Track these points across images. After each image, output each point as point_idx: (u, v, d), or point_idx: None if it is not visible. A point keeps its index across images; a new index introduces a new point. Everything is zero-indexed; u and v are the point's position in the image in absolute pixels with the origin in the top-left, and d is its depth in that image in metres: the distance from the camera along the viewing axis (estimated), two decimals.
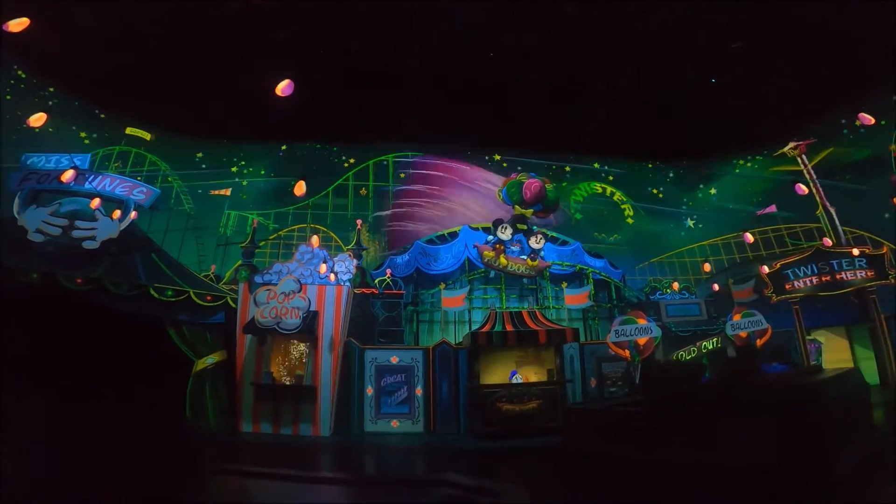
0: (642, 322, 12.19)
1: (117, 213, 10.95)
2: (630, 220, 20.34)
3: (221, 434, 10.90)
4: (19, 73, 12.84)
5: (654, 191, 21.25)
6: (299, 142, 18.07)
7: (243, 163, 16.98)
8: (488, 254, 13.54)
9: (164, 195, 15.26)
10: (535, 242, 14.06)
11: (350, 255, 12.43)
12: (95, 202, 10.73)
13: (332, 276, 11.41)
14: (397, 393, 11.72)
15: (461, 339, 12.87)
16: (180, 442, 9.93)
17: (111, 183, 11.70)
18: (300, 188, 8.87)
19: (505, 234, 13.80)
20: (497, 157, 21.42)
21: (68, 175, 9.70)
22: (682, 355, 13.22)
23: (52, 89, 13.71)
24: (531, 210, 13.87)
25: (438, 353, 11.88)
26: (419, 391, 11.71)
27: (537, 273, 13.99)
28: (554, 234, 16.15)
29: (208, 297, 11.21)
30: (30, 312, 9.82)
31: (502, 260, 13.55)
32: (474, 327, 13.50)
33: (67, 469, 6.97)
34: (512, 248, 13.80)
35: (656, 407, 6.95)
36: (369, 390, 11.63)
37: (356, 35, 19.53)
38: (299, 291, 11.05)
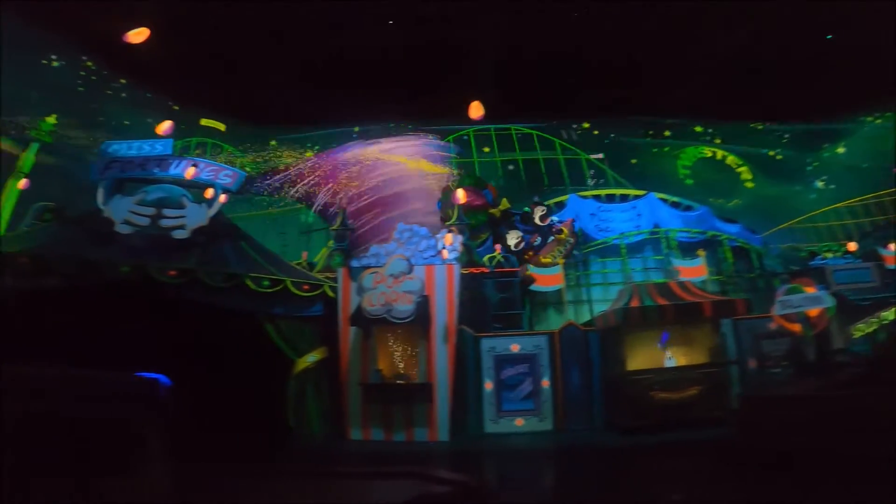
0: (811, 291, 9.95)
1: (210, 192, 9.96)
2: (749, 184, 17.91)
3: (328, 443, 9.68)
4: (88, 64, 12.25)
5: (771, 153, 18.78)
6: (374, 122, 16.98)
7: (317, 147, 15.96)
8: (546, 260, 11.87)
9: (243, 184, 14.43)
10: (539, 219, 12.32)
11: (453, 231, 10.89)
12: (190, 172, 9.98)
13: (445, 254, 9.89)
14: (521, 386, 10.07)
15: (591, 320, 11.05)
16: (288, 454, 8.73)
17: (196, 168, 10.76)
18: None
19: (512, 241, 12.15)
20: (586, 125, 19.43)
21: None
22: (861, 329, 10.82)
23: (123, 81, 13.12)
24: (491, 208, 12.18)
25: (565, 337, 10.12)
26: (546, 383, 10.00)
27: (574, 242, 12.23)
28: (676, 199, 14.10)
29: (305, 287, 9.99)
30: (120, 309, 8.97)
31: (545, 259, 11.83)
32: (597, 307, 11.70)
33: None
34: (531, 243, 12.22)
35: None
36: (488, 385, 10.04)
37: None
38: (409, 273, 9.62)
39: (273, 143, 15.37)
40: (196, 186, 10.66)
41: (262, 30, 17.11)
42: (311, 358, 10.04)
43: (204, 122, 14.63)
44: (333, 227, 11.65)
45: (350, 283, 10.11)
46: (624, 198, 14.68)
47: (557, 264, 11.07)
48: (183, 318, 9.39)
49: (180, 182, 10.42)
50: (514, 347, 10.07)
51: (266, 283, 9.63)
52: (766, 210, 16.25)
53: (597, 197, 14.17)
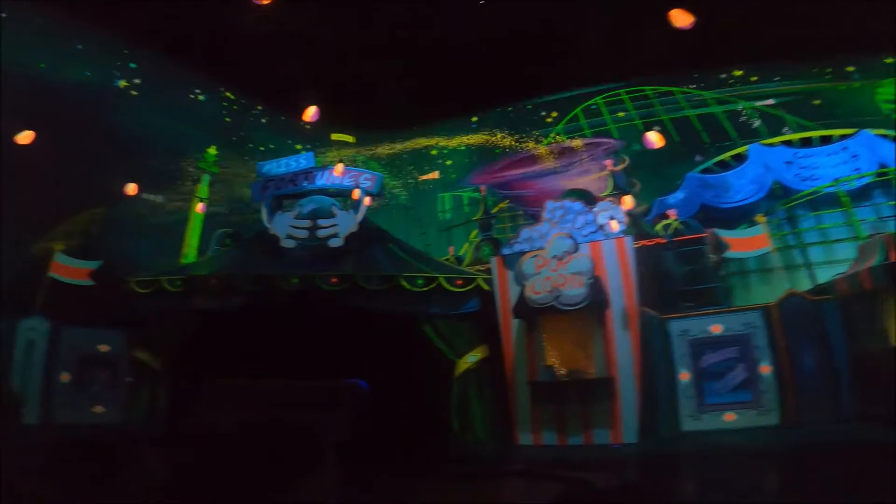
0: None
1: (357, 193, 10.03)
2: None
3: (495, 449, 8.93)
4: (227, 94, 13.41)
5: None
6: (488, 109, 16.21)
7: (441, 144, 15.66)
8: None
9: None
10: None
11: (613, 202, 9.44)
12: (339, 168, 10.36)
13: (614, 224, 8.52)
14: (730, 374, 8.21)
15: (819, 286, 8.68)
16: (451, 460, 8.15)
17: (339, 175, 10.99)
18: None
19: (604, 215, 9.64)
20: (738, 73, 16.20)
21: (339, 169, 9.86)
22: None
23: (260, 107, 14.15)
24: None
25: (788, 310, 7.98)
26: (766, 368, 7.99)
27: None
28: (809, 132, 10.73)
29: (458, 282, 9.42)
30: (293, 320, 9.34)
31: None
32: (822, 271, 9.19)
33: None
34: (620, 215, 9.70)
35: None
36: (684, 375, 8.37)
37: None
38: (576, 252, 8.45)
39: (398, 146, 15.45)
40: (342, 195, 10.90)
41: (369, 42, 17.34)
42: (471, 358, 9.42)
43: (334, 136, 15.21)
44: (476, 218, 11.02)
45: (506, 272, 9.27)
46: (826, 139, 11.57)
47: (758, 223, 8.90)
48: (348, 324, 9.51)
49: (328, 192, 10.72)
50: (716, 328, 8.25)
51: (420, 281, 9.27)
52: None
53: (787, 143, 11.40)
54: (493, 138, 15.02)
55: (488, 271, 9.67)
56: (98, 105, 11.41)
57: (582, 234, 9.07)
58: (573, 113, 15.86)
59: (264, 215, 10.56)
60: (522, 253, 9.19)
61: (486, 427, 9.28)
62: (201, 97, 13.22)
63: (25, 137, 8.31)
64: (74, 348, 9.21)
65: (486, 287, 9.39)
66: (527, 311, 8.62)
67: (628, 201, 8.49)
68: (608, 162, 10.44)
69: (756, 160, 10.56)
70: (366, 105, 16.46)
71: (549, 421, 8.74)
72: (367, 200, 10.34)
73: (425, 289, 9.23)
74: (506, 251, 9.71)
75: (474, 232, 11.91)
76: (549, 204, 10.05)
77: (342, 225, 10.24)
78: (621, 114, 16.52)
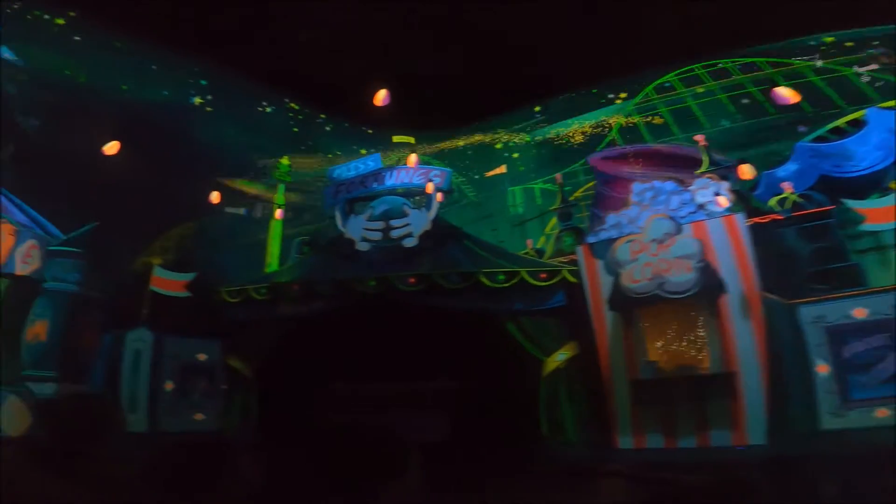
0: None
1: (431, 187, 9.74)
2: None
3: (589, 453, 8.18)
4: (291, 105, 13.65)
5: None
6: (552, 96, 15.43)
7: (505, 137, 15.09)
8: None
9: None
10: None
11: (713, 179, 8.42)
12: (412, 159, 10.26)
13: (722, 201, 7.54)
14: (880, 365, 6.95)
15: None
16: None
17: (406, 174, 10.77)
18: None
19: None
20: (829, 39, 14.34)
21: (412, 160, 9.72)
22: None
23: (323, 116, 14.33)
24: None
25: None
26: None
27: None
28: None
29: (542, 275, 8.80)
30: (374, 322, 9.15)
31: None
32: None
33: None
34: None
35: None
36: (822, 368, 7.19)
37: None
38: (679, 234, 7.57)
39: (460, 143, 15.06)
40: (411, 194, 10.66)
41: (420, 39, 17.08)
42: (560, 356, 8.74)
43: (395, 138, 15.11)
44: (554, 207, 10.35)
45: (595, 261, 8.52)
46: None
47: (893, 191, 7.54)
48: (428, 325, 9.17)
49: (397, 192, 10.51)
50: (859, 313, 7.01)
51: (501, 276, 8.76)
52: None
53: None
54: (560, 128, 14.31)
55: (573, 263, 8.97)
56: (177, 122, 11.94)
57: (679, 216, 8.16)
58: (645, 91, 14.72)
59: (338, 220, 10.52)
60: (612, 240, 8.40)
61: (577, 429, 8.58)
62: (268, 109, 13.57)
63: (111, 148, 8.35)
64: (176, 357, 9.57)
65: (572, 279, 8.70)
66: (624, 303, 7.83)
67: (746, 170, 7.44)
68: (699, 137, 9.42)
69: (878, 125, 9.05)
70: (424, 103, 16.24)
71: (653, 421, 7.90)
72: (438, 196, 10.00)
73: (507, 284, 8.71)
74: (591, 239, 8.98)
75: (551, 222, 11.23)
76: (637, 186, 9.22)
77: (415, 224, 9.97)
78: (700, 88, 15.14)
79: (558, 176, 10.92)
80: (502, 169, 14.32)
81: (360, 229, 10.16)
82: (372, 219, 10.24)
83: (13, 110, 10.64)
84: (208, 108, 12.85)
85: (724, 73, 15.33)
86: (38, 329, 9.13)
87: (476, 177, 14.71)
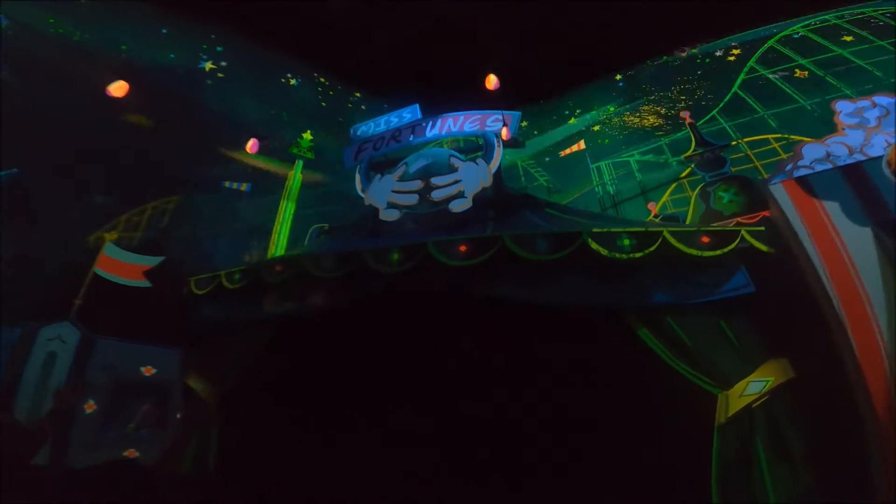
0: None
1: (505, 132, 6.44)
2: None
3: None
4: (321, 79, 11.22)
5: None
6: (634, 65, 12.17)
7: (578, 111, 11.73)
8: None
9: (512, 175, 11.05)
10: None
11: None
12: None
13: None
14: None
15: None
16: None
17: (455, 122, 7.48)
18: None
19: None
20: None
21: None
22: None
23: (358, 94, 11.76)
24: None
25: None
26: None
27: None
28: None
29: (704, 239, 4.88)
30: (395, 327, 5.59)
31: None
32: None
33: None
34: None
35: None
36: None
37: None
38: None
39: (524, 123, 11.89)
40: (463, 150, 7.36)
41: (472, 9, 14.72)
42: (754, 385, 4.58)
43: None
44: (687, 155, 6.58)
45: (818, 203, 4.56)
46: None
47: None
48: (489, 332, 5.47)
49: (442, 143, 7.24)
50: None
51: (627, 241, 4.91)
52: None
53: None
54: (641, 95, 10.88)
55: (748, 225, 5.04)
56: (181, 87, 9.74)
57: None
58: (767, 45, 10.97)
59: (358, 183, 7.28)
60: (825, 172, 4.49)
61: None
62: (293, 82, 11.15)
63: (118, 88, 7.48)
64: (110, 368, 6.39)
65: (763, 247, 4.73)
66: None
67: None
68: (685, 114, 5.91)
69: None
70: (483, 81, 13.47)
71: None
72: (504, 133, 6.60)
73: (639, 254, 4.86)
74: (777, 180, 5.06)
75: (671, 188, 7.51)
76: (843, 105, 5.43)
77: (468, 180, 6.50)
78: (848, 38, 11.27)
79: (686, 113, 7.24)
80: (580, 145, 10.84)
81: (386, 192, 6.82)
82: (405, 178, 6.89)
83: None
84: (220, 74, 10.59)
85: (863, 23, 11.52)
86: None
87: (546, 159, 11.28)
